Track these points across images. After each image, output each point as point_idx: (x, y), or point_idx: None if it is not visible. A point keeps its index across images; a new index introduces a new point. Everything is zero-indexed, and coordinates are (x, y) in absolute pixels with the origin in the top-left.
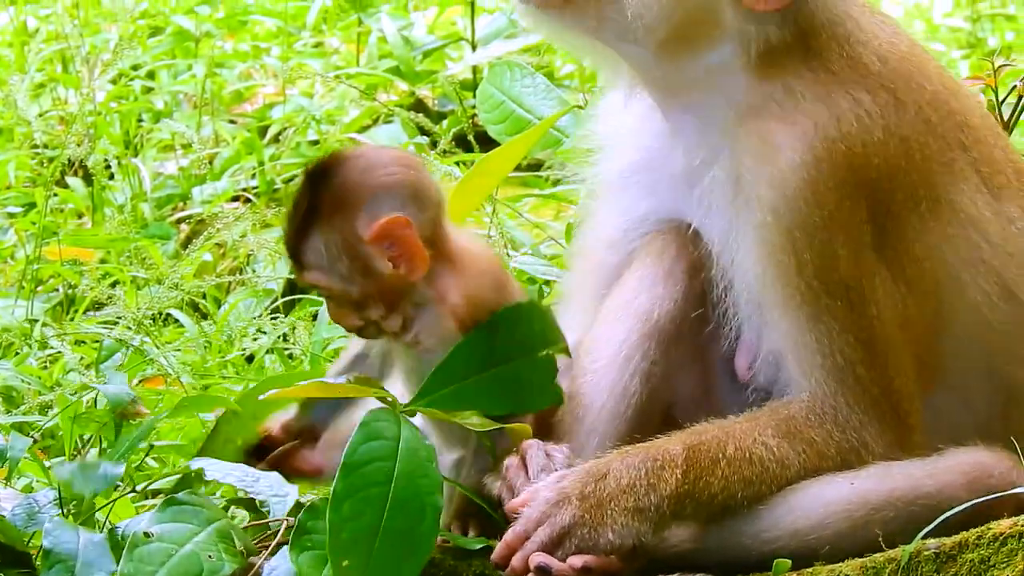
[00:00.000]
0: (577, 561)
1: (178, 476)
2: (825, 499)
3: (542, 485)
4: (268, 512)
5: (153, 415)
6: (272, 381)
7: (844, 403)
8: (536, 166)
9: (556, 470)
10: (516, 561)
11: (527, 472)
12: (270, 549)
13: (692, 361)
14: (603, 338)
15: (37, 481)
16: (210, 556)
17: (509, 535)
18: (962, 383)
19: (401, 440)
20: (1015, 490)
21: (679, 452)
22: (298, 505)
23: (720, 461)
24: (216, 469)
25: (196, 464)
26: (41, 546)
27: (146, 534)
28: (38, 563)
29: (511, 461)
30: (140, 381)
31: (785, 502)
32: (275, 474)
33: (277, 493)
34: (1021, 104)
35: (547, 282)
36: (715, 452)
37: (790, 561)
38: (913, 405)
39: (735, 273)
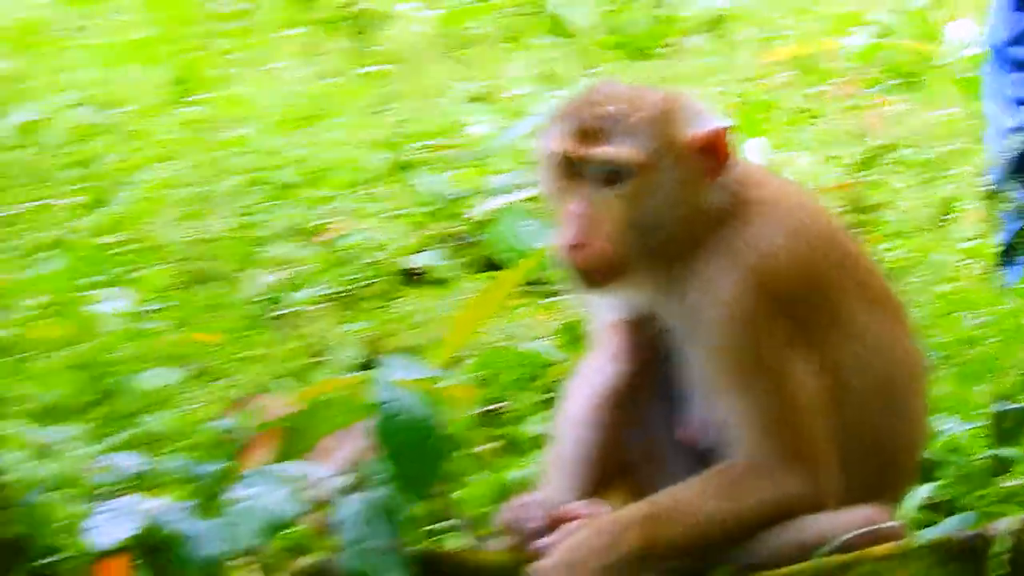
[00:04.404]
0: None
1: None
2: (772, 544)
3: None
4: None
5: None
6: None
7: (772, 458)
8: (537, 282)
9: (540, 518)
10: None
11: (524, 522)
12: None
13: (639, 426)
14: (570, 404)
15: None
16: (286, 508)
17: None
18: (854, 447)
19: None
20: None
21: (637, 517)
22: None
23: (674, 520)
24: (290, 467)
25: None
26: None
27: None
28: None
29: (512, 514)
30: None
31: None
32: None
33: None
34: None
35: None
36: (669, 513)
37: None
38: (829, 457)
39: (689, 365)
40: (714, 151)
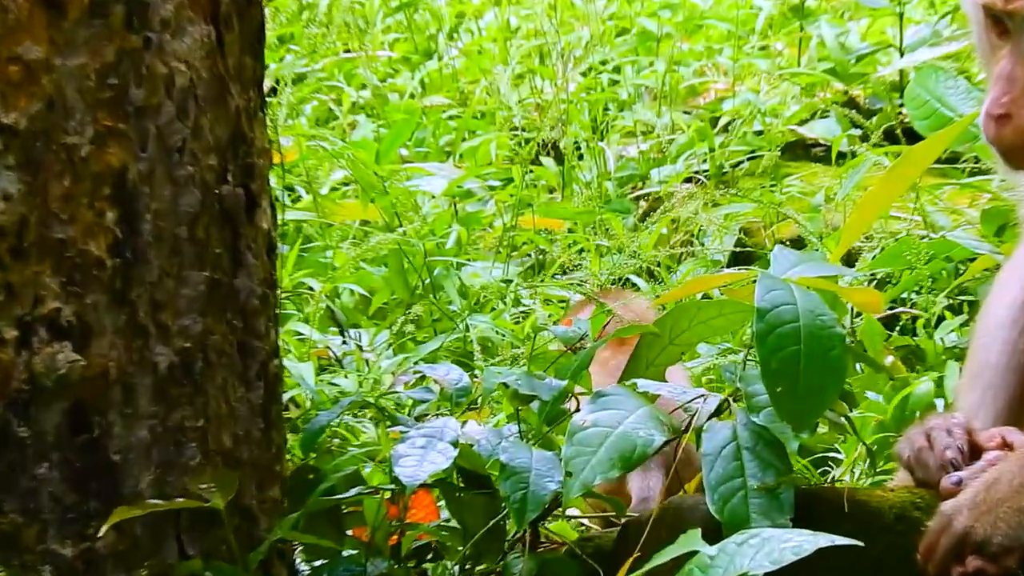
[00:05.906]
0: (972, 564)
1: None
2: None
3: (944, 500)
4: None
5: None
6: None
7: None
8: (955, 159)
9: (957, 445)
10: (931, 568)
11: (934, 451)
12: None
13: None
14: (995, 303)
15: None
16: (641, 433)
17: (922, 545)
18: None
19: (795, 289)
20: None
21: None
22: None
23: None
24: (648, 385)
25: (630, 382)
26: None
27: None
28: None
29: (920, 440)
30: None
31: None
32: (701, 389)
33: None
34: None
35: (975, 255)
36: None
37: None
38: None
39: None
40: None
